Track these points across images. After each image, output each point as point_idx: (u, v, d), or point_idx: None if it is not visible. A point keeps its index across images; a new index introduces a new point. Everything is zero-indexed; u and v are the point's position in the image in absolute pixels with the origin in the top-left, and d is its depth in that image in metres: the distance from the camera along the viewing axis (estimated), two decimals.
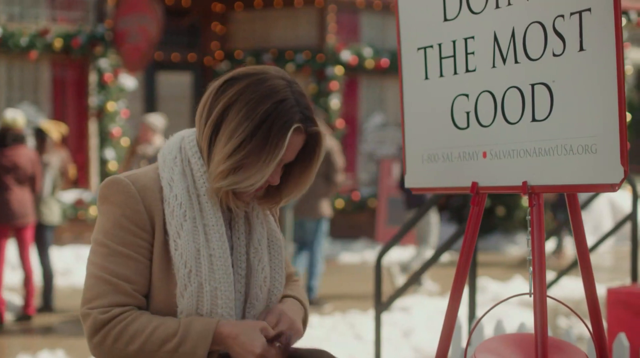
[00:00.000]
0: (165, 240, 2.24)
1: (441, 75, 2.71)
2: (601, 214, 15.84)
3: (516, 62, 2.45)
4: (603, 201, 15.72)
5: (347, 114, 15.25)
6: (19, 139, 8.89)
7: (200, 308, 2.24)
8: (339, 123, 14.83)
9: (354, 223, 15.06)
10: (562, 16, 2.31)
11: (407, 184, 2.89)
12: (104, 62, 13.06)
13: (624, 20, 17.15)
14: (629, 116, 17.46)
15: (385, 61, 15.07)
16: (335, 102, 14.73)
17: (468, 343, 2.77)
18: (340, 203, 14.81)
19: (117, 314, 2.19)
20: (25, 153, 8.88)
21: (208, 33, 15.51)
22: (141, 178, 2.28)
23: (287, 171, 2.36)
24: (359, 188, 15.44)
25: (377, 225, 14.74)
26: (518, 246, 14.69)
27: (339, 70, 14.74)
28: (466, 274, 2.61)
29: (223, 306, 2.25)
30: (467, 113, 2.62)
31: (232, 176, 2.21)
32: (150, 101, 15.01)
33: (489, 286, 10.50)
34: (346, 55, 14.82)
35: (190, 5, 15.27)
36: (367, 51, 15.01)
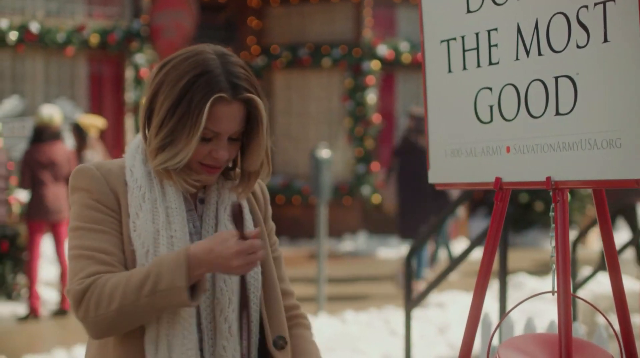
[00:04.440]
0: (127, 221, 2.22)
1: (464, 68, 2.65)
2: None
3: (540, 54, 2.39)
4: None
5: (383, 109, 15.18)
6: (55, 135, 9.02)
7: None
8: (376, 118, 14.77)
9: (391, 218, 14.98)
10: (586, 7, 2.24)
11: (431, 180, 2.84)
12: (139, 58, 13.11)
13: None
14: None
15: (421, 56, 14.96)
16: (371, 97, 14.67)
17: (491, 340, 2.71)
18: (377, 198, 14.74)
19: (92, 281, 2.13)
20: (62, 149, 9.02)
21: (244, 28, 15.51)
22: (106, 164, 2.30)
23: (243, 146, 2.32)
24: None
25: None
26: None
27: (375, 65, 14.67)
28: (489, 271, 2.56)
29: None
30: (491, 107, 2.56)
31: (162, 154, 2.19)
32: None
33: (526, 283, 10.40)
34: (382, 49, 14.75)
35: (227, 0, 15.29)
36: (404, 45, 14.93)
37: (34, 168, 8.87)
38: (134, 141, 2.36)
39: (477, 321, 2.67)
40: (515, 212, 14.75)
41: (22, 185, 9.07)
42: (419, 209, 10.10)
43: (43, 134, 8.95)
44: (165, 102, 2.19)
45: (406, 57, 14.94)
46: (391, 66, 15.06)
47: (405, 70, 15.21)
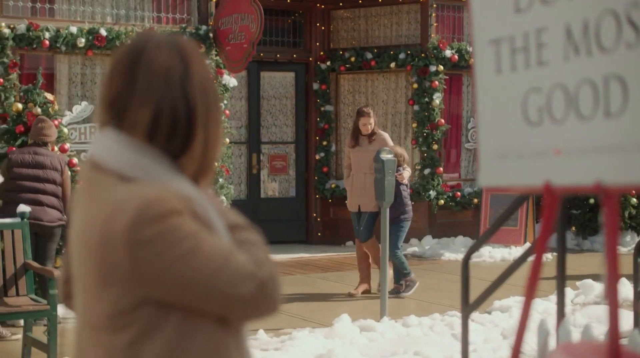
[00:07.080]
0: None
1: (513, 68, 2.60)
2: None
3: (589, 54, 2.32)
4: None
5: (450, 112, 15.07)
6: None
7: None
8: (442, 121, 14.64)
9: (456, 221, 14.86)
10: (637, 4, 2.17)
11: (481, 183, 2.79)
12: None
13: None
14: None
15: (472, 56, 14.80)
16: (438, 100, 14.55)
17: (545, 345, 2.66)
18: (443, 201, 14.63)
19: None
20: None
21: (311, 32, 15.53)
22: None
23: None
24: (462, 185, 15.24)
25: (480, 224, 14.52)
26: (626, 248, 14.04)
27: (441, 67, 14.55)
28: (537, 277, 2.49)
29: None
30: (540, 108, 2.50)
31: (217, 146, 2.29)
32: (254, 100, 15.12)
33: (593, 288, 10.22)
34: (449, 52, 14.64)
35: (293, 4, 15.33)
36: (470, 48, 14.80)
37: None
38: (138, 161, 2.13)
39: (525, 326, 2.61)
40: (583, 216, 14.49)
41: None
42: None
43: None
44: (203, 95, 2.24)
45: (472, 60, 14.81)
46: (457, 69, 14.94)
47: (471, 72, 15.05)
